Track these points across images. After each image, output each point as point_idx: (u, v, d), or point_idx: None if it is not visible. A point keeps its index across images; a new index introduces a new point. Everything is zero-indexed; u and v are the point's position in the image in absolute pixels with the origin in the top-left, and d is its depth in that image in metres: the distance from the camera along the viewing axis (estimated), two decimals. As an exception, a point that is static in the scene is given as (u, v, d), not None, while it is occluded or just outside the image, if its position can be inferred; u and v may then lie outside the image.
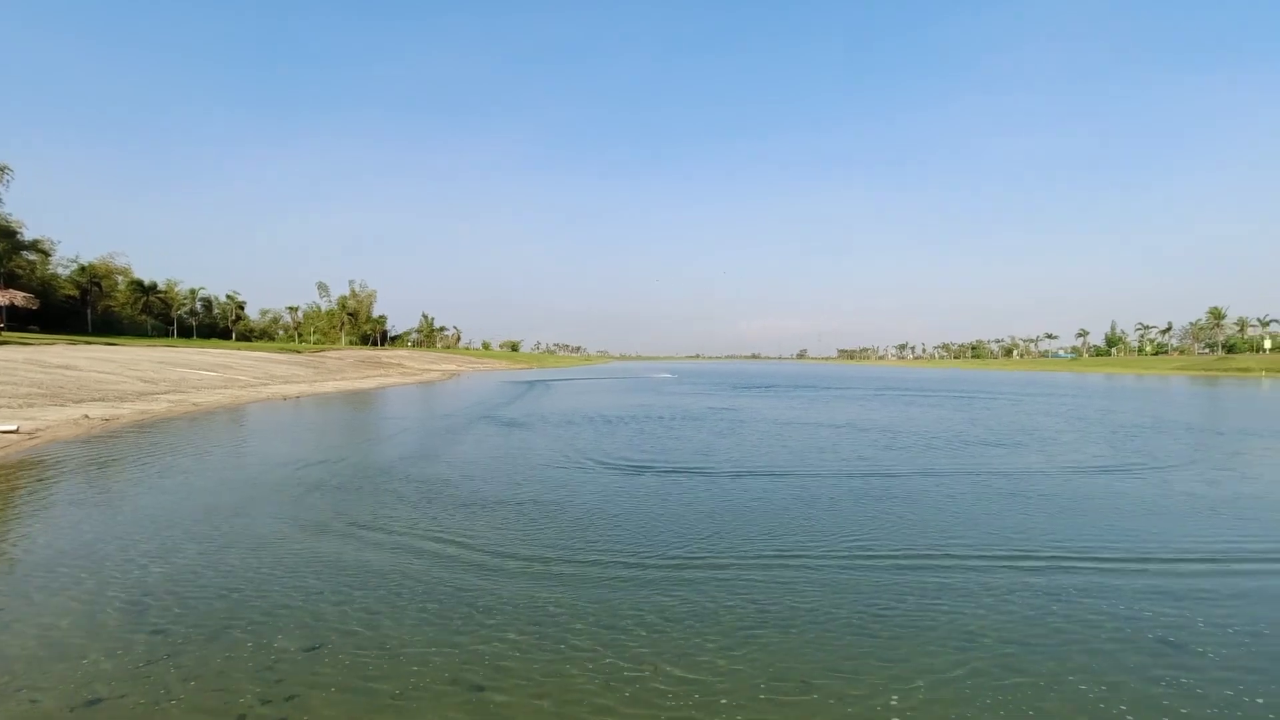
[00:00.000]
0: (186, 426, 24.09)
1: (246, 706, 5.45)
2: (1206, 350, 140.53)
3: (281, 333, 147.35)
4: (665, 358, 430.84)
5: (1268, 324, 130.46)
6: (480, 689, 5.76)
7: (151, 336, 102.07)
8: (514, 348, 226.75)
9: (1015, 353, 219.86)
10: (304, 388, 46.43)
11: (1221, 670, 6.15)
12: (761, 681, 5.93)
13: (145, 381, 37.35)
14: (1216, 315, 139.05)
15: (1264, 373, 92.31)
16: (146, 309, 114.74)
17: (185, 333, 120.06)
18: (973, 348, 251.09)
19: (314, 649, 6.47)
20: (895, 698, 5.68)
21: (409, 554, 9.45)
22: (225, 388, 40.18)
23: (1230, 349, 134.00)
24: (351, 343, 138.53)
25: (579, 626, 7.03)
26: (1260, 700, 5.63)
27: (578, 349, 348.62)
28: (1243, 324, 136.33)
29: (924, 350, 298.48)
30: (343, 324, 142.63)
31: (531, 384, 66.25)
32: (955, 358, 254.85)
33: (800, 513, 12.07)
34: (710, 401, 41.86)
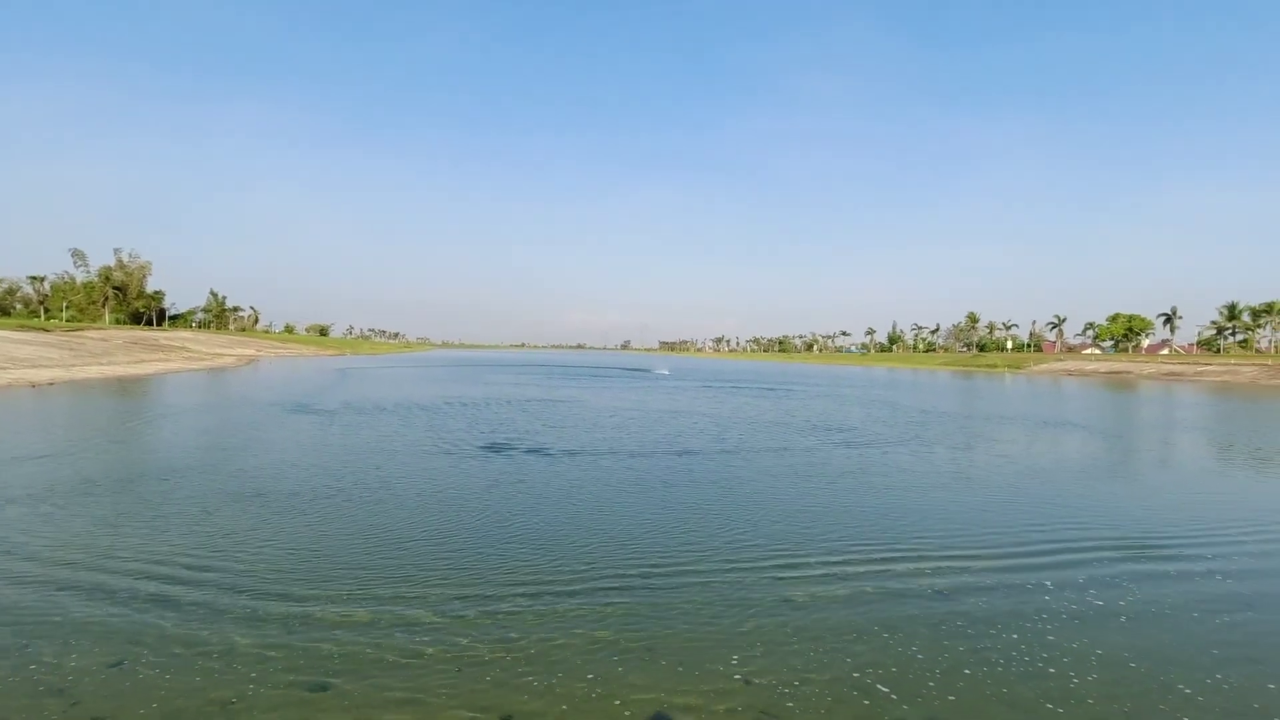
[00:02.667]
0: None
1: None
2: (965, 349, 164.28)
3: (20, 307, 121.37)
4: (490, 346, 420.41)
5: (1009, 327, 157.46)
6: None
7: None
8: (323, 332, 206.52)
9: (815, 347, 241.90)
10: (58, 373, 39.33)
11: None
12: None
13: None
14: (973, 319, 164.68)
15: (1006, 368, 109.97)
16: None
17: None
18: (779, 342, 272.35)
19: None
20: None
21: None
22: (-58, 372, 32.89)
23: (982, 348, 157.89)
24: (119, 322, 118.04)
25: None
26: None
27: (396, 335, 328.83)
28: (991, 327, 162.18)
29: (737, 343, 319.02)
30: (106, 299, 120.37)
31: (345, 371, 61.48)
32: (765, 351, 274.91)
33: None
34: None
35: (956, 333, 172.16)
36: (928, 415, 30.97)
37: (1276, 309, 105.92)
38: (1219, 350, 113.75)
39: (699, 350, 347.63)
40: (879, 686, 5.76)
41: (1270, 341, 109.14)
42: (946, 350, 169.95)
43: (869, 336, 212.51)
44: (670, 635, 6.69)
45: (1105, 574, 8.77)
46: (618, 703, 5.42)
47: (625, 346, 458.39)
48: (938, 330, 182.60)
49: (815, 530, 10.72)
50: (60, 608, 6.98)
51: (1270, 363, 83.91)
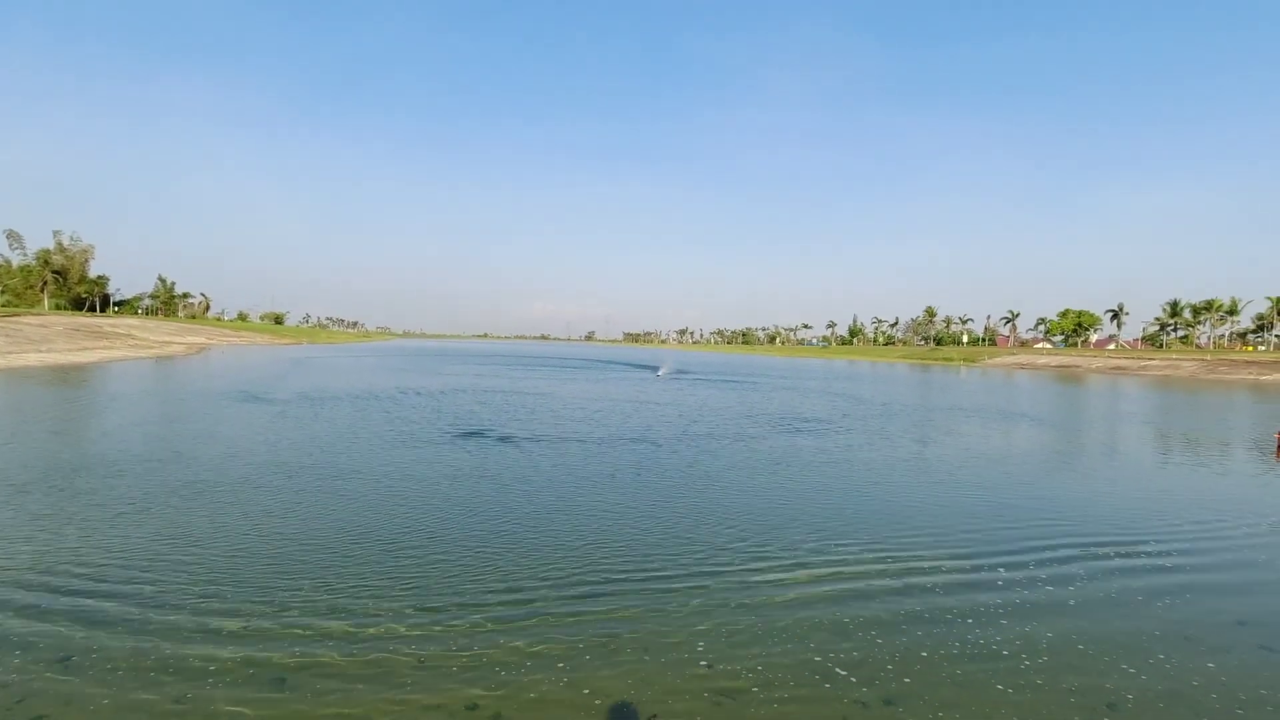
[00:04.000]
0: None
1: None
2: (922, 342, 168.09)
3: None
4: (453, 336, 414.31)
5: (965, 322, 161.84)
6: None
7: None
8: (278, 320, 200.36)
9: (778, 340, 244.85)
10: (-9, 360, 37.54)
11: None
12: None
13: None
14: (930, 314, 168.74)
15: (961, 362, 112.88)
16: None
17: None
18: (743, 335, 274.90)
19: None
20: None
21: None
22: None
23: (939, 341, 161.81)
24: (60, 307, 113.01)
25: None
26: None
27: (355, 324, 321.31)
28: (949, 321, 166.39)
29: (701, 335, 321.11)
30: (45, 284, 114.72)
31: (302, 361, 59.99)
32: (728, 343, 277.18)
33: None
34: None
35: (915, 326, 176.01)
36: (889, 409, 31.63)
37: (1215, 306, 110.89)
38: (1161, 345, 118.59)
39: (663, 342, 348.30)
40: (838, 670, 5.89)
41: (1209, 337, 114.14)
42: (905, 344, 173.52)
43: (830, 329, 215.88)
44: (636, 627, 6.72)
45: (1055, 563, 9.09)
46: (586, 691, 5.44)
47: (589, 338, 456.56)
48: (897, 324, 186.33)
49: (779, 523, 10.88)
50: None
51: (1208, 358, 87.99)
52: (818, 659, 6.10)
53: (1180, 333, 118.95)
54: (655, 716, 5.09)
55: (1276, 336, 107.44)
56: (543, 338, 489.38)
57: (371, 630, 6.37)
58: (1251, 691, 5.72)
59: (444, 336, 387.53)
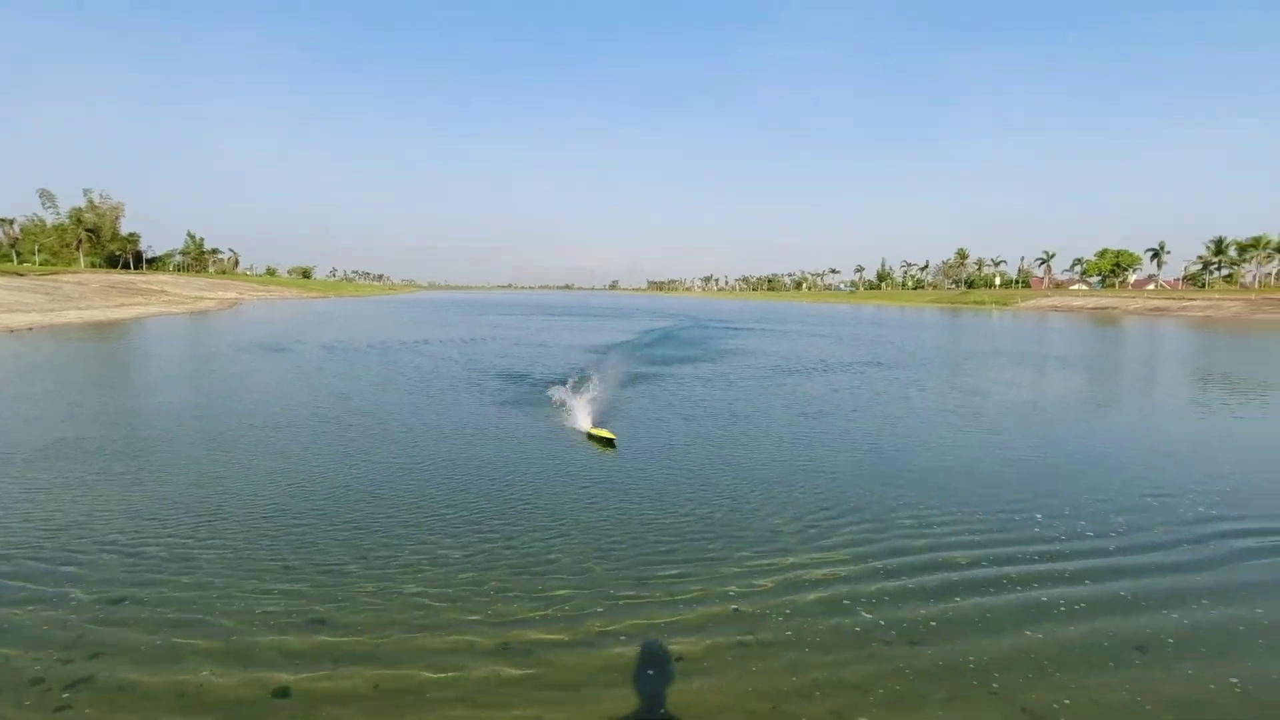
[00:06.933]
0: None
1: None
2: (953, 286, 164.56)
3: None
4: (479, 287, 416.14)
5: (998, 264, 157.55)
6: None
7: None
8: (305, 274, 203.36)
9: (804, 286, 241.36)
10: (35, 318, 38.63)
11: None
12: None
13: None
14: (962, 256, 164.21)
15: (993, 305, 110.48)
16: None
17: None
18: (769, 281, 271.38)
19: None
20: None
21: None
22: (-84, 318, 32.21)
23: (970, 285, 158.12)
24: (94, 265, 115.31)
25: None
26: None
27: (380, 277, 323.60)
28: (980, 264, 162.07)
29: (726, 282, 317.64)
30: (80, 242, 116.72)
31: (327, 315, 60.84)
32: (754, 289, 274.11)
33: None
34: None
35: (945, 270, 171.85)
36: (922, 358, 31.12)
37: (1263, 243, 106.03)
38: (1204, 285, 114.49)
39: (687, 289, 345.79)
40: (863, 613, 5.92)
41: (1255, 276, 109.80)
42: (935, 287, 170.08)
43: (858, 274, 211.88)
44: (667, 569, 6.80)
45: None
46: (613, 629, 5.54)
47: (613, 287, 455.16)
48: (926, 267, 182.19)
49: (805, 486, 10.87)
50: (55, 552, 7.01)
51: (1254, 296, 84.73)
52: (847, 603, 6.13)
53: (1225, 271, 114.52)
54: (681, 659, 5.18)
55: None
56: (567, 287, 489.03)
57: (398, 571, 6.53)
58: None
59: (469, 288, 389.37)
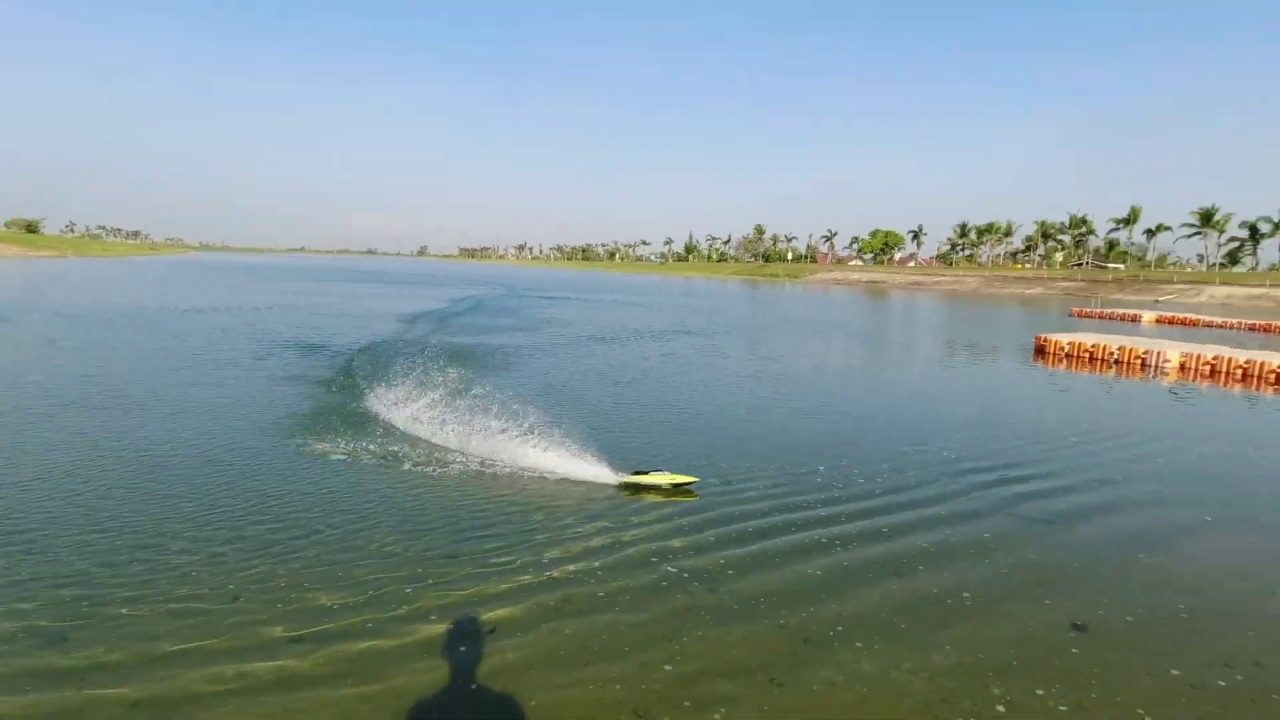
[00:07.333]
0: None
1: None
2: (753, 259, 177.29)
3: None
4: (261, 250, 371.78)
5: (790, 240, 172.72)
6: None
7: None
8: (30, 229, 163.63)
9: (617, 256, 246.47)
10: None
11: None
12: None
13: None
14: (760, 232, 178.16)
15: (786, 278, 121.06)
16: None
17: None
18: (583, 251, 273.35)
19: None
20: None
21: None
22: None
23: (767, 259, 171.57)
24: None
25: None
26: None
27: (137, 235, 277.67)
28: (775, 239, 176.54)
29: (540, 251, 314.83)
30: None
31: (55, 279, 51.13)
32: (568, 259, 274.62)
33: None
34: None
35: (746, 244, 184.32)
36: (728, 325, 33.09)
37: (995, 229, 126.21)
38: (952, 263, 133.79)
39: (501, 257, 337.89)
40: (668, 567, 6.21)
41: (989, 256, 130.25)
42: (737, 260, 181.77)
43: (667, 246, 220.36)
44: (483, 543, 6.64)
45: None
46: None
47: (422, 252, 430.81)
48: (730, 241, 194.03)
49: (618, 453, 11.11)
50: None
51: (987, 274, 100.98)
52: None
53: (967, 252, 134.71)
54: (495, 630, 5.10)
55: (1039, 255, 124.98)
56: (370, 252, 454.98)
57: (162, 575, 5.73)
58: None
59: (252, 251, 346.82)
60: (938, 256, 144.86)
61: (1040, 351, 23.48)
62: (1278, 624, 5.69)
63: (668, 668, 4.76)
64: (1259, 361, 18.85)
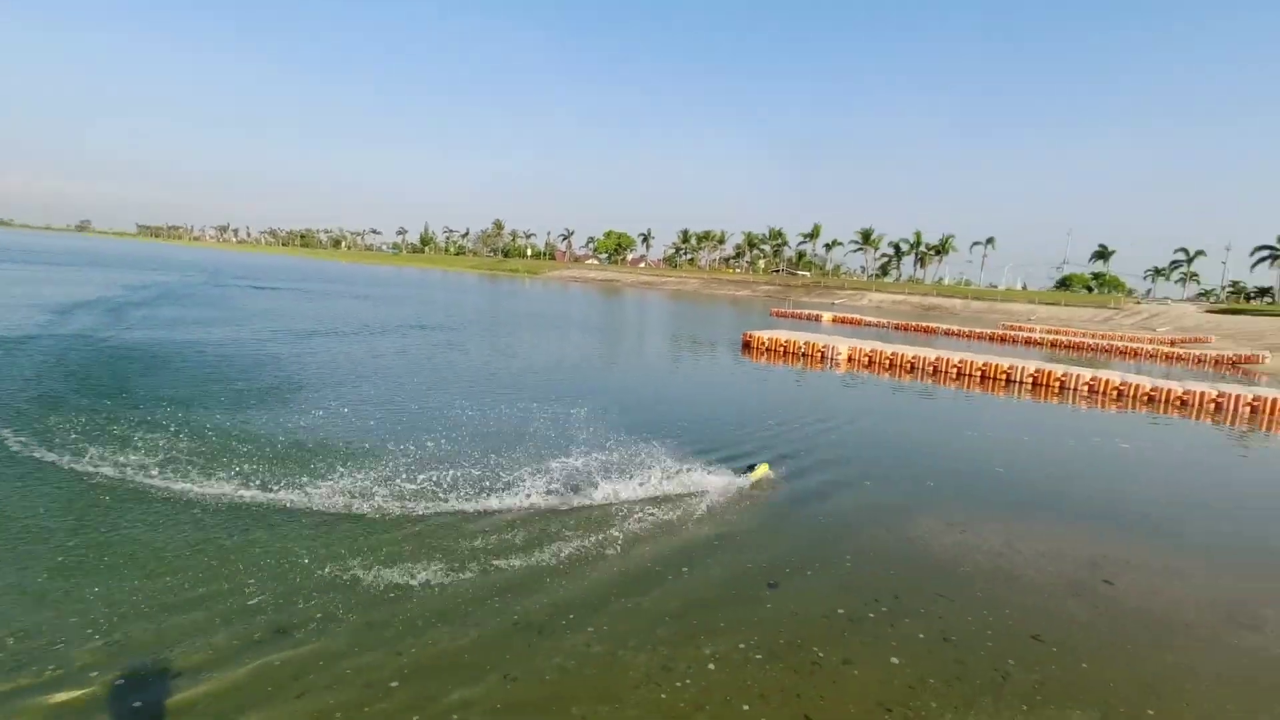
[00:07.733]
0: None
1: None
2: (491, 253, 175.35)
3: None
4: None
5: (529, 236, 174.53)
6: None
7: None
8: None
9: (344, 244, 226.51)
10: None
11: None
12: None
13: None
14: (499, 227, 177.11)
15: (526, 274, 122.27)
16: None
17: None
18: (302, 236, 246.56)
19: None
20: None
21: None
22: None
23: (506, 254, 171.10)
24: None
25: None
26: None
27: None
28: (515, 235, 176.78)
29: (249, 234, 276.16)
30: None
31: None
32: (284, 245, 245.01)
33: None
34: None
35: (484, 238, 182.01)
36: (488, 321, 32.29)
37: (713, 236, 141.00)
38: (676, 265, 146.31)
39: (196, 239, 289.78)
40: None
41: (707, 260, 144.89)
42: (475, 254, 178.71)
43: (401, 236, 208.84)
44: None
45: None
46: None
47: (83, 228, 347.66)
48: (468, 234, 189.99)
49: (345, 465, 10.36)
50: None
51: (706, 276, 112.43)
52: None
53: (689, 256, 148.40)
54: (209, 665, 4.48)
55: (746, 261, 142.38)
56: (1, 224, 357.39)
57: None
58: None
59: None
60: (664, 259, 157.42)
61: (747, 346, 26.84)
62: (912, 563, 7.28)
63: (394, 684, 4.63)
64: (901, 354, 23.75)
